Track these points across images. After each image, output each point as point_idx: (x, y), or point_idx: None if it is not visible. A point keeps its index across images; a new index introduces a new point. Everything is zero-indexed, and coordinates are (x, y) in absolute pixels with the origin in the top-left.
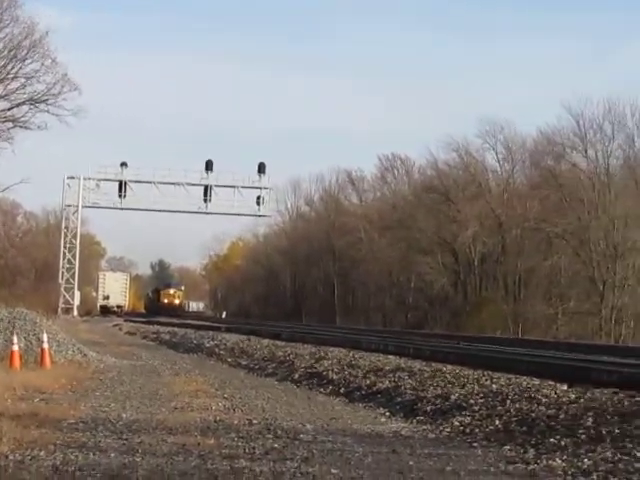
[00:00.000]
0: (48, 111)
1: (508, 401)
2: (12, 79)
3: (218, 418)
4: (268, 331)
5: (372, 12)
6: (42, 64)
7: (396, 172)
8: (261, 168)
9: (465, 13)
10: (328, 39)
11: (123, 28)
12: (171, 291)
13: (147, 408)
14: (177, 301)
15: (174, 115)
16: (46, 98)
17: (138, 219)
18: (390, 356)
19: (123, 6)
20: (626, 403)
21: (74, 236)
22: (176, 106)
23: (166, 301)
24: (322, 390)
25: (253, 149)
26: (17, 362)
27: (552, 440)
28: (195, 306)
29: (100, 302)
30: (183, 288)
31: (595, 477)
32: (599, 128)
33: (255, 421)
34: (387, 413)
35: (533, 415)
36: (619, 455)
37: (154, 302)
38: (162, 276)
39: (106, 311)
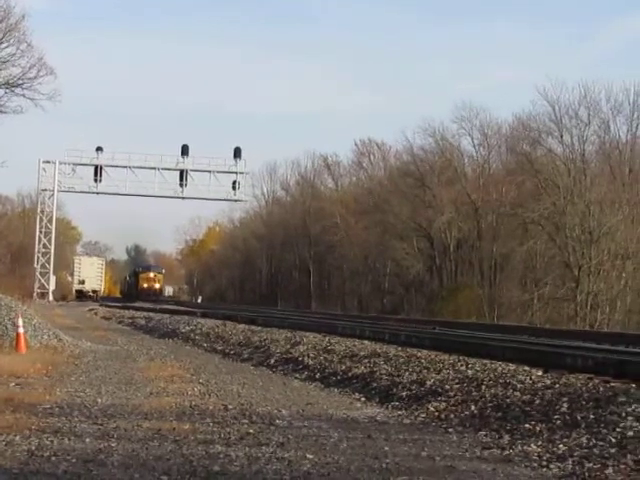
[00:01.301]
0: (24, 95)
1: (483, 387)
2: None
3: (193, 403)
4: (244, 316)
5: None
6: (18, 48)
7: (372, 157)
8: (237, 153)
9: None
10: (305, 23)
11: (97, 11)
12: (151, 274)
13: (122, 393)
14: (157, 285)
15: (149, 99)
16: (22, 82)
17: (114, 204)
18: (366, 341)
19: None
20: (601, 389)
21: (50, 220)
22: (151, 90)
23: (145, 285)
24: (298, 375)
25: (229, 134)
26: None
27: (527, 426)
28: (169, 290)
29: (76, 287)
30: (164, 271)
31: (570, 462)
32: (574, 114)
33: (230, 406)
34: (362, 399)
35: (508, 401)
36: (594, 440)
37: (132, 286)
38: (138, 261)
39: (82, 296)
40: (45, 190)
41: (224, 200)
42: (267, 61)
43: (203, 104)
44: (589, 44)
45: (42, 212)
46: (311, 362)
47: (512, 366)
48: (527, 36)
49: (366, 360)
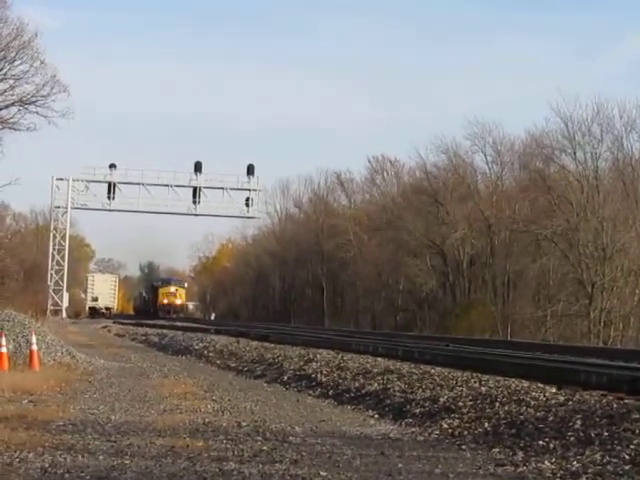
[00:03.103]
0: (37, 112)
1: (497, 403)
2: (1, 80)
3: (207, 420)
4: (257, 333)
5: (357, 11)
6: (31, 65)
7: (385, 174)
8: (250, 170)
9: (449, 12)
10: (321, 39)
11: (109, 28)
12: (172, 289)
13: (136, 410)
14: (179, 301)
15: (163, 116)
16: (35, 99)
17: (127, 221)
18: (379, 358)
19: (110, 6)
20: (614, 405)
21: (63, 237)
22: (164, 107)
23: (166, 301)
24: (311, 392)
25: (242, 151)
26: (6, 364)
27: (541, 442)
28: (190, 306)
29: (89, 304)
30: (186, 285)
31: (584, 479)
32: (587, 130)
33: (244, 423)
34: (376, 415)
35: (522, 417)
36: (608, 457)
37: (149, 302)
38: (152, 277)
39: (95, 313)
40: (58, 207)
41: (237, 217)
42: (282, 77)
43: (216, 121)
44: (602, 60)
45: (55, 229)
46: (324, 379)
47: (525, 383)
48: (540, 52)
49: (379, 377)
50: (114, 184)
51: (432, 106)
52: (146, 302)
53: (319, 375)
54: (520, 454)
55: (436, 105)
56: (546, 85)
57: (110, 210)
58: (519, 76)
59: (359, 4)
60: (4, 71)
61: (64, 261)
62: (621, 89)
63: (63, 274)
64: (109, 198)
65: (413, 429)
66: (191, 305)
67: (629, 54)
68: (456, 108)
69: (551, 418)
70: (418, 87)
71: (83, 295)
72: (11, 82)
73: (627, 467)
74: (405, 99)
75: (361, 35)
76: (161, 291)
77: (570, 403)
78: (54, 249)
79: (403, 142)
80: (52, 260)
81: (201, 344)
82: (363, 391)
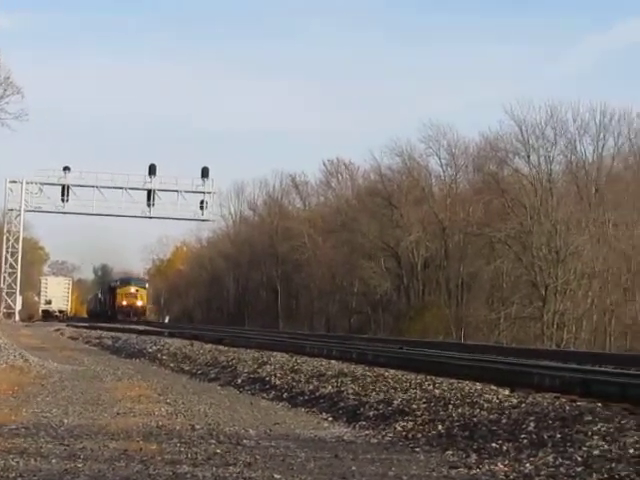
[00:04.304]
0: None
1: (450, 406)
2: None
3: (160, 423)
4: (211, 336)
5: (308, 11)
6: None
7: (340, 177)
8: (204, 172)
9: (404, 15)
10: (272, 39)
11: (62, 28)
12: (132, 289)
13: (89, 413)
14: (140, 302)
15: (117, 118)
16: None
17: (81, 223)
18: (333, 361)
19: (58, 7)
20: (567, 408)
21: (16, 240)
22: (118, 109)
23: (125, 303)
24: (265, 395)
25: (197, 153)
26: None
27: (494, 445)
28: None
29: (42, 307)
30: (147, 285)
31: None
32: (541, 133)
33: (198, 426)
34: (330, 418)
35: (475, 420)
36: (560, 459)
37: (105, 305)
38: (105, 280)
39: (48, 316)
40: (11, 210)
41: (191, 220)
42: (234, 77)
43: (170, 122)
44: (556, 63)
45: (9, 232)
46: (278, 382)
47: (479, 385)
48: (495, 55)
49: (333, 380)
50: (68, 187)
51: (386, 108)
52: (102, 304)
53: (273, 378)
54: (473, 456)
55: (390, 107)
56: (500, 88)
57: (64, 213)
58: (473, 79)
59: (310, 5)
60: None
61: (17, 264)
62: (575, 92)
63: (16, 277)
64: (63, 201)
65: (367, 432)
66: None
67: (584, 57)
68: (410, 111)
69: (504, 420)
70: (374, 89)
71: (36, 298)
72: None
73: (579, 469)
74: (362, 101)
75: (314, 36)
76: (120, 292)
77: (523, 405)
78: (7, 252)
79: (360, 145)
80: (5, 263)
81: (155, 347)
82: (317, 394)
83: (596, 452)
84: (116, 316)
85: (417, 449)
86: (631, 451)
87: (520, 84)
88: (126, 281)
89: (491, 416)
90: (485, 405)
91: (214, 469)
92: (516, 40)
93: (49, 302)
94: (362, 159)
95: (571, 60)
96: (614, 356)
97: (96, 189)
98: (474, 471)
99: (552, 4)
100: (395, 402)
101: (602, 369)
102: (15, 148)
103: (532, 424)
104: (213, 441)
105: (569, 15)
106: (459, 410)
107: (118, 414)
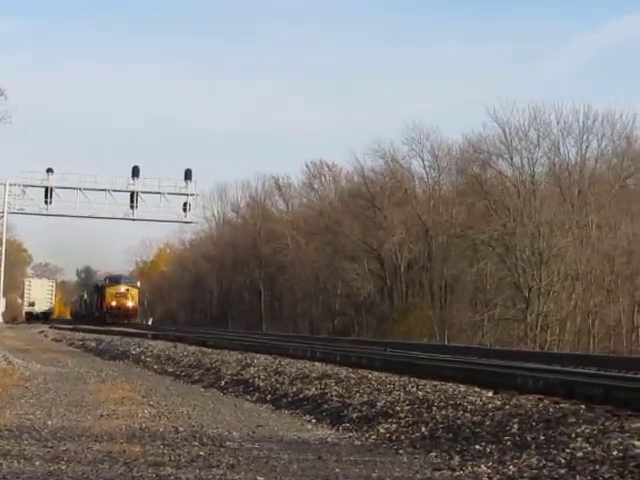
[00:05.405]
0: None
1: (434, 408)
2: None
3: (144, 425)
4: (194, 338)
5: (292, 13)
6: None
7: (323, 178)
8: (187, 175)
9: (388, 16)
10: (256, 40)
11: (45, 30)
12: (122, 288)
13: (73, 415)
14: (131, 303)
15: (100, 119)
16: None
17: (64, 225)
18: (317, 363)
19: (44, 9)
20: (551, 409)
21: None
22: (102, 110)
23: (114, 303)
24: (248, 397)
25: (180, 155)
26: None
27: (478, 447)
28: None
29: (26, 309)
30: (139, 284)
31: None
32: (524, 135)
33: (181, 428)
34: (313, 420)
35: (459, 422)
36: (544, 461)
37: (92, 306)
38: (89, 282)
39: (32, 318)
40: None
41: (175, 222)
42: (217, 78)
43: (154, 124)
44: (540, 65)
45: None
46: (262, 384)
47: (463, 387)
48: (478, 56)
49: (317, 382)
50: (51, 188)
51: (370, 110)
52: (88, 306)
53: (257, 380)
54: (457, 458)
55: (374, 109)
56: (484, 90)
57: (47, 215)
58: (457, 81)
59: (295, 6)
60: None
61: (0, 266)
62: (558, 94)
63: None
64: (46, 203)
65: (350, 434)
66: None
67: (567, 59)
68: (394, 112)
69: (488, 422)
70: (358, 90)
71: (20, 300)
72: None
73: (563, 471)
74: (345, 102)
75: (298, 36)
76: (109, 291)
77: (507, 407)
78: None
79: (343, 147)
80: None
81: (138, 349)
82: (301, 396)
83: (580, 454)
84: (104, 318)
85: (401, 451)
86: (615, 453)
87: (504, 85)
88: (115, 279)
89: (475, 418)
90: (469, 407)
91: (197, 471)
92: (500, 41)
93: (32, 304)
94: (345, 161)
95: (558, 61)
96: (597, 358)
97: (79, 191)
98: (457, 473)
99: (536, 5)
100: (379, 404)
101: (585, 371)
102: None
103: (516, 426)
104: (196, 443)
105: (554, 16)
106: (443, 412)
107: (102, 416)
